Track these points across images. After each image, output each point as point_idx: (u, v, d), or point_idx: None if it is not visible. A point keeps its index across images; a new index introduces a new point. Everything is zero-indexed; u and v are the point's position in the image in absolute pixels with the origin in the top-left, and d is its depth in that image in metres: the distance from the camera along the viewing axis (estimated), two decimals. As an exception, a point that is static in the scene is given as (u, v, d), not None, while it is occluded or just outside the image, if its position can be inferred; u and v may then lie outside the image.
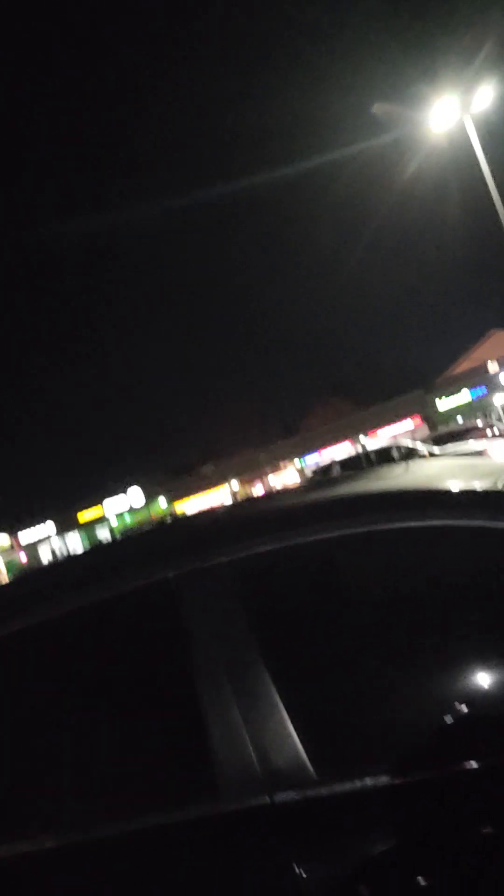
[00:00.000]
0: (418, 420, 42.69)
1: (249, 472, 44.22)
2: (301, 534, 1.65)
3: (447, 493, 1.70)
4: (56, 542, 47.99)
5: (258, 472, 43.93)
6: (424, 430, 37.75)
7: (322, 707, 1.49)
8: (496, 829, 1.32)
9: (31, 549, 47.68)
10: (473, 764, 1.36)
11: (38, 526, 48.29)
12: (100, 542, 44.13)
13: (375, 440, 34.11)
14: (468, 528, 1.56)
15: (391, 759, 1.40)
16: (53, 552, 45.85)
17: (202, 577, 1.62)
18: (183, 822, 1.45)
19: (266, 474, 43.93)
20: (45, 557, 43.98)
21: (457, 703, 1.40)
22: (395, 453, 18.59)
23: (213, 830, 1.43)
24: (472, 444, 17.39)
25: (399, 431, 41.22)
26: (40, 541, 48.20)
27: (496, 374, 39.36)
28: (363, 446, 22.34)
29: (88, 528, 48.00)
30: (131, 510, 47.13)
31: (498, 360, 40.49)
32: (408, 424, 42.61)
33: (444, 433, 23.23)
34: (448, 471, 2.08)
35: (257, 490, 41.42)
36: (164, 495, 46.51)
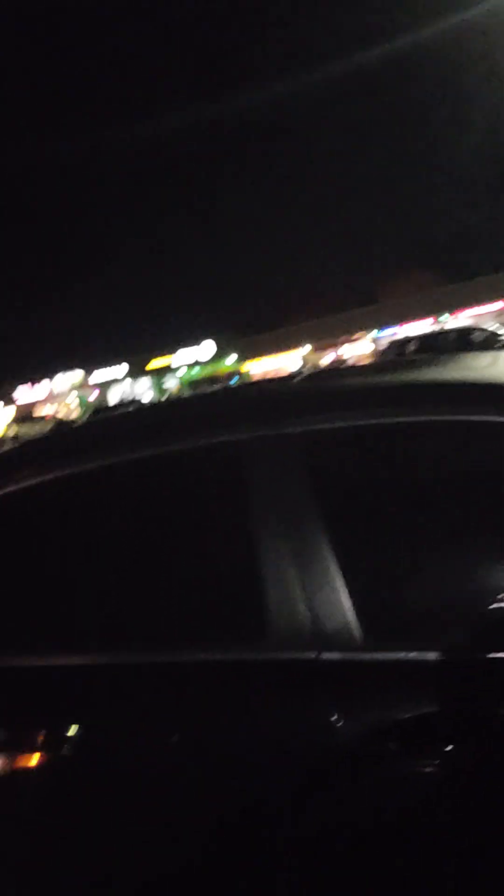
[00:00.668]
0: (505, 304, 40.51)
1: (322, 339, 43.49)
2: (374, 415, 1.65)
3: None
4: (126, 385, 49.23)
5: (331, 339, 43.15)
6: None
7: (376, 580, 1.56)
8: None
9: (102, 388, 49.14)
10: None
11: (111, 367, 49.45)
12: (167, 390, 45.11)
13: (457, 320, 32.76)
14: None
15: (436, 636, 1.47)
16: (122, 394, 47.19)
17: (271, 444, 1.65)
18: (232, 662, 1.58)
19: (339, 343, 43.15)
20: (115, 398, 45.35)
21: None
22: (475, 336, 17.91)
23: (258, 674, 1.56)
24: None
25: (483, 313, 39.36)
26: (111, 381, 49.52)
27: None
28: (443, 325, 21.53)
29: (158, 375, 48.87)
30: (200, 363, 47.51)
31: None
32: (494, 307, 40.56)
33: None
34: None
35: (328, 358, 40.87)
36: (235, 353, 46.50)
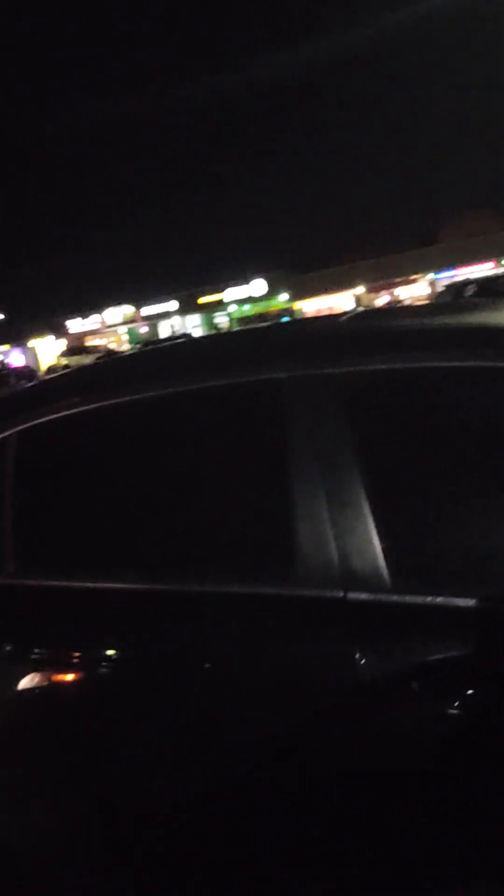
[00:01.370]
0: None
1: (377, 280, 42.40)
2: (417, 359, 1.61)
3: None
4: (176, 320, 49.17)
5: (387, 280, 42.04)
6: None
7: (407, 524, 1.55)
8: None
9: (152, 322, 49.20)
10: None
11: (161, 303, 49.35)
12: (217, 326, 44.88)
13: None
14: None
15: (465, 583, 1.47)
16: (172, 328, 47.18)
17: (312, 383, 1.64)
18: (261, 595, 1.61)
19: (395, 285, 42.01)
20: (164, 332, 45.41)
21: None
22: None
23: (285, 608, 1.58)
24: None
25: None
26: (161, 315, 49.51)
27: None
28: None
29: (208, 311, 48.61)
30: (251, 300, 46.98)
31: None
32: None
33: None
34: None
35: (383, 300, 39.92)
36: (287, 291, 45.77)
